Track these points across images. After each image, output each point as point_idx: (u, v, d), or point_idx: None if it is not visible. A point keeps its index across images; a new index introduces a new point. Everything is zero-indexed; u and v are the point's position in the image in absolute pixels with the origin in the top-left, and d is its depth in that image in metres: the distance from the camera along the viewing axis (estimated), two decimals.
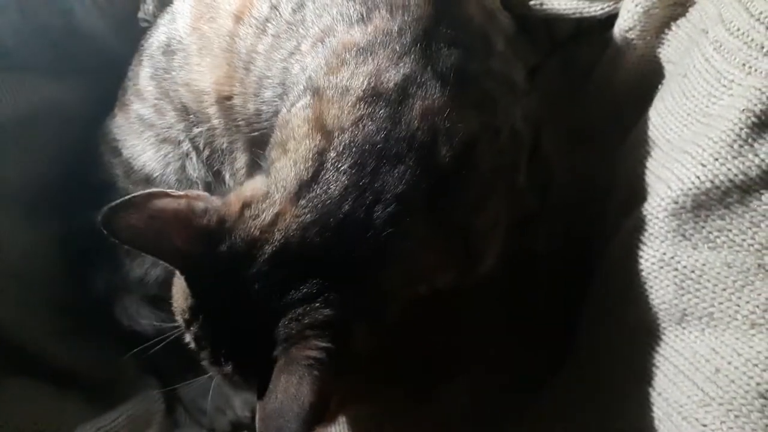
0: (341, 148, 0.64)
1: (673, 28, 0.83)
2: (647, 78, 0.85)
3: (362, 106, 0.65)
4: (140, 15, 1.09)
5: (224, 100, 0.89)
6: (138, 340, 1.05)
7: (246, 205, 0.65)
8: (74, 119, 1.11)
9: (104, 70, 1.08)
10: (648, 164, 0.74)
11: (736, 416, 0.59)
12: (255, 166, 0.88)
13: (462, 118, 0.67)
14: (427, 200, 0.64)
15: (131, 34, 1.06)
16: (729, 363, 0.61)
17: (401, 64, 0.68)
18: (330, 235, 0.62)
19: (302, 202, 0.63)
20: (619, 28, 0.87)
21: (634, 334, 0.71)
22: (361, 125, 0.65)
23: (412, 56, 0.68)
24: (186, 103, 0.94)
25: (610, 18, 0.90)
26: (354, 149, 0.64)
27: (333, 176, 0.63)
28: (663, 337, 0.68)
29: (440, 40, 0.70)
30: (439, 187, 0.65)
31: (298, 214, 0.63)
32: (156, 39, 0.97)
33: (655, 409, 0.67)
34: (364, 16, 0.72)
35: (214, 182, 0.97)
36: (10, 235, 1.03)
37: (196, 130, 0.95)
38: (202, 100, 0.91)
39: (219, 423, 1.03)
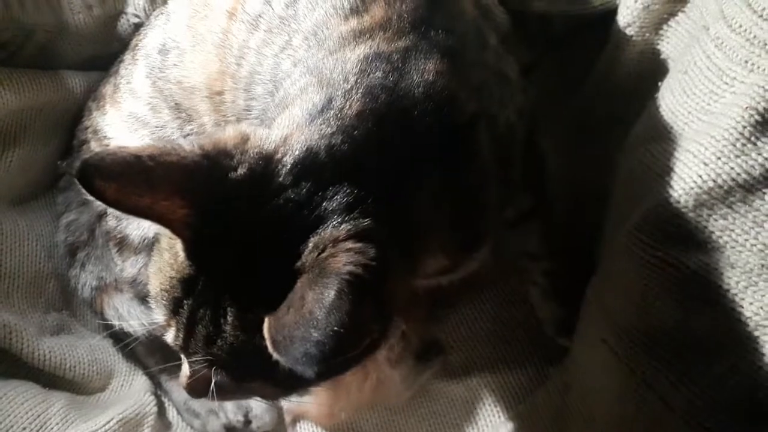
0: (349, 88, 0.61)
1: (673, 24, 0.82)
2: (646, 75, 0.84)
3: (365, 63, 0.64)
4: (130, 10, 1.07)
5: (215, 95, 0.88)
6: (128, 340, 1.05)
7: (244, 136, 0.59)
8: (63, 115, 1.10)
9: (90, 66, 1.07)
10: (648, 163, 0.73)
11: None
12: None
13: (464, 90, 0.65)
14: (438, 150, 0.62)
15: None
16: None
17: (402, 40, 0.67)
18: (358, 146, 0.58)
19: (317, 121, 0.59)
20: (618, 24, 0.86)
21: None
22: (366, 75, 0.62)
23: (411, 36, 0.67)
24: (178, 100, 0.94)
25: (609, 14, 0.89)
26: (362, 89, 0.61)
27: (344, 105, 0.60)
28: None
29: (437, 27, 0.69)
30: (449, 146, 0.63)
31: (316, 128, 0.59)
32: (152, 39, 0.97)
33: None
34: (360, 7, 0.71)
35: None
36: None
37: (187, 128, 0.94)
38: (193, 96, 0.91)
39: (211, 425, 1.02)
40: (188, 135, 0.94)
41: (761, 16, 0.64)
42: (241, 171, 0.56)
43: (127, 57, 1.01)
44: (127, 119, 0.98)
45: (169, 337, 0.62)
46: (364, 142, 0.59)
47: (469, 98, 0.67)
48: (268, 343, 0.50)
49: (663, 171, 0.70)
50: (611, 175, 0.82)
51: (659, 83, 0.81)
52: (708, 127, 0.67)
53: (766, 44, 0.64)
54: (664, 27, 0.83)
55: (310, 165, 0.57)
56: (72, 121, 1.09)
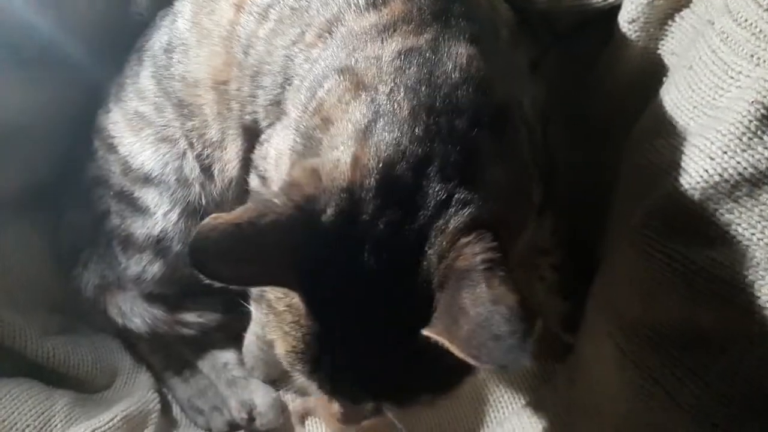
0: (389, 90, 0.61)
1: (677, 19, 0.82)
2: (651, 70, 0.84)
3: (399, 60, 0.63)
4: (134, 8, 1.07)
5: (220, 85, 0.89)
6: (131, 338, 1.05)
7: (314, 171, 0.57)
8: (65, 115, 1.09)
9: (91, 66, 1.05)
10: (653, 158, 0.73)
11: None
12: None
13: (495, 74, 0.65)
14: (489, 129, 0.61)
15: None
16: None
17: (427, 31, 0.66)
18: (425, 143, 0.57)
19: (374, 133, 0.58)
20: (622, 20, 0.85)
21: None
22: (402, 72, 0.62)
23: (435, 26, 0.67)
24: (181, 96, 0.94)
25: (613, 10, 0.88)
26: (403, 87, 0.61)
27: (394, 107, 0.59)
28: None
29: (457, 16, 0.69)
30: (495, 124, 0.62)
31: (378, 140, 0.57)
32: (158, 40, 0.98)
33: None
34: (377, 1, 0.70)
35: (205, 182, 0.97)
36: (0, 234, 1.02)
37: (189, 124, 0.95)
38: (197, 89, 0.91)
39: (216, 422, 1.02)
40: (190, 131, 0.95)
41: (767, 10, 0.64)
42: (330, 212, 0.54)
43: (133, 57, 1.02)
44: (132, 118, 0.99)
45: (312, 389, 0.62)
46: (428, 137, 0.58)
47: (499, 81, 0.66)
48: (468, 360, 0.49)
49: (668, 166, 0.70)
50: (616, 171, 0.82)
51: (664, 79, 0.81)
52: (714, 121, 0.66)
53: None
54: (669, 22, 0.82)
55: (391, 180, 0.56)
56: (75, 119, 1.09)
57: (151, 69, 0.97)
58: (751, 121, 0.62)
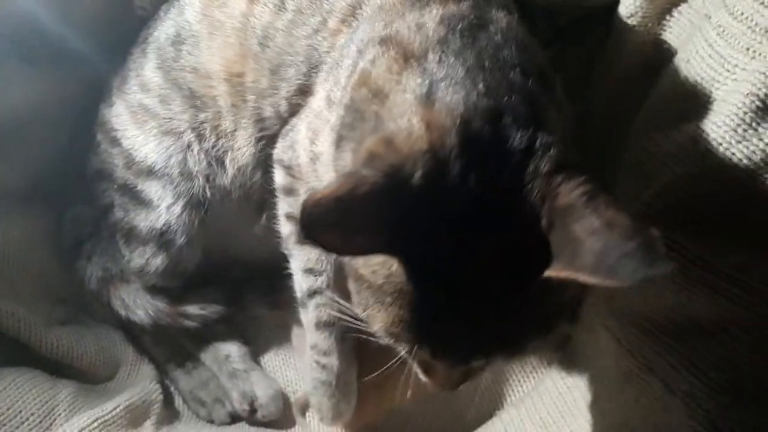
0: (439, 57, 0.62)
1: (675, 14, 0.82)
2: (649, 65, 0.84)
3: (443, 26, 0.65)
4: (137, 3, 1.07)
5: (234, 77, 0.90)
6: (134, 330, 1.06)
7: (388, 140, 0.57)
8: (68, 109, 1.10)
9: (95, 61, 1.06)
10: (652, 150, 0.73)
11: None
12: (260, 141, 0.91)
13: (530, 41, 0.69)
14: (539, 81, 0.63)
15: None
16: None
17: (463, 3, 0.69)
18: (490, 95, 0.58)
19: (438, 96, 0.59)
20: (621, 15, 0.86)
21: None
22: (448, 37, 0.64)
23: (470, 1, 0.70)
24: (193, 88, 0.94)
25: (612, 5, 0.89)
26: (452, 52, 0.62)
27: (449, 71, 0.60)
28: None
29: None
30: (541, 77, 0.64)
31: (445, 102, 0.58)
32: (164, 32, 0.98)
33: None
34: None
35: (215, 173, 0.97)
36: (5, 227, 1.02)
37: (202, 116, 0.95)
38: (210, 81, 0.92)
39: (217, 414, 1.03)
40: (202, 123, 0.95)
41: (762, 3, 0.65)
42: (417, 175, 0.54)
43: (136, 50, 1.02)
44: (136, 110, 0.99)
45: (424, 355, 0.60)
46: (492, 91, 0.58)
47: (535, 46, 0.69)
48: (607, 283, 0.49)
49: (666, 158, 0.70)
50: (615, 165, 0.82)
51: (661, 73, 0.81)
52: (710, 113, 0.67)
53: (767, 31, 0.64)
54: (667, 17, 0.83)
55: (471, 136, 0.56)
56: (79, 113, 1.09)
57: (156, 61, 0.97)
58: (746, 113, 0.63)
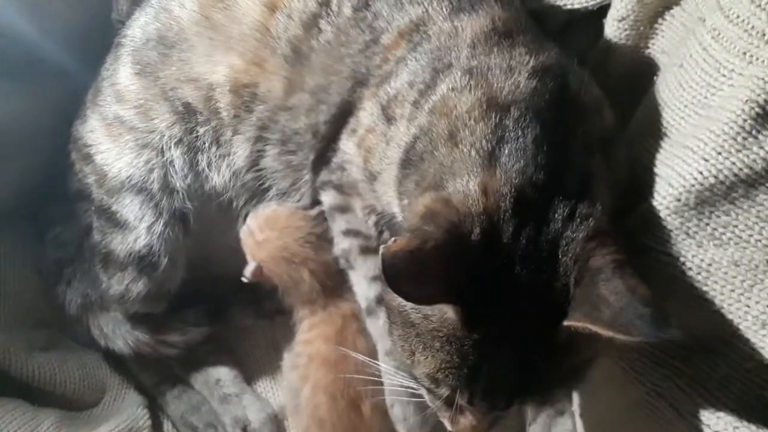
0: (519, 115, 0.66)
1: (667, 17, 0.81)
2: (641, 69, 0.83)
3: (535, 80, 0.69)
4: (114, 16, 1.05)
5: (242, 88, 0.88)
6: (118, 357, 1.02)
7: (447, 200, 0.63)
8: (50, 126, 1.07)
9: (76, 76, 1.04)
10: (646, 161, 0.71)
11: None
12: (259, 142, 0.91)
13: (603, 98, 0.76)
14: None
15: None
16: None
17: (547, 47, 0.75)
18: (548, 169, 0.63)
19: (501, 162, 0.64)
20: (612, 18, 0.84)
21: None
22: (537, 94, 0.68)
23: (549, 40, 0.77)
24: (192, 102, 0.91)
25: (603, 8, 0.87)
26: (533, 112, 0.66)
27: (518, 134, 0.65)
28: None
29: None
30: (605, 148, 0.70)
31: (505, 169, 0.63)
32: (140, 33, 0.93)
33: None
34: (468, 6, 0.77)
35: (205, 180, 0.95)
36: None
37: (202, 130, 0.92)
38: (212, 92, 0.90)
39: None
40: (202, 137, 0.92)
41: (759, 5, 0.63)
42: (476, 232, 0.60)
43: (109, 57, 0.97)
44: (111, 123, 0.94)
45: (463, 400, 0.64)
46: (550, 165, 0.63)
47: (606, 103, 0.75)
48: (618, 336, 0.54)
49: (661, 169, 0.68)
50: None
51: (654, 78, 0.80)
52: (706, 121, 0.65)
53: (764, 35, 0.62)
54: (659, 20, 0.81)
55: (523, 203, 0.62)
56: (62, 130, 1.05)
57: (133, 67, 0.92)
58: (745, 120, 0.61)
